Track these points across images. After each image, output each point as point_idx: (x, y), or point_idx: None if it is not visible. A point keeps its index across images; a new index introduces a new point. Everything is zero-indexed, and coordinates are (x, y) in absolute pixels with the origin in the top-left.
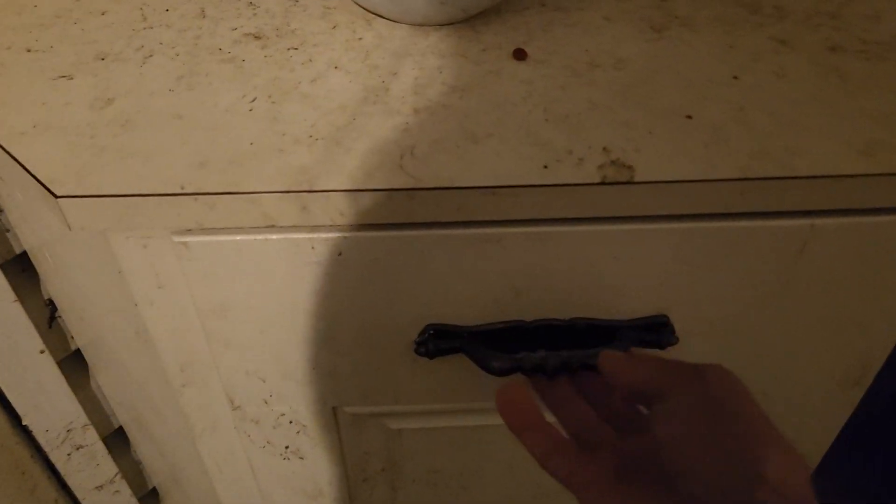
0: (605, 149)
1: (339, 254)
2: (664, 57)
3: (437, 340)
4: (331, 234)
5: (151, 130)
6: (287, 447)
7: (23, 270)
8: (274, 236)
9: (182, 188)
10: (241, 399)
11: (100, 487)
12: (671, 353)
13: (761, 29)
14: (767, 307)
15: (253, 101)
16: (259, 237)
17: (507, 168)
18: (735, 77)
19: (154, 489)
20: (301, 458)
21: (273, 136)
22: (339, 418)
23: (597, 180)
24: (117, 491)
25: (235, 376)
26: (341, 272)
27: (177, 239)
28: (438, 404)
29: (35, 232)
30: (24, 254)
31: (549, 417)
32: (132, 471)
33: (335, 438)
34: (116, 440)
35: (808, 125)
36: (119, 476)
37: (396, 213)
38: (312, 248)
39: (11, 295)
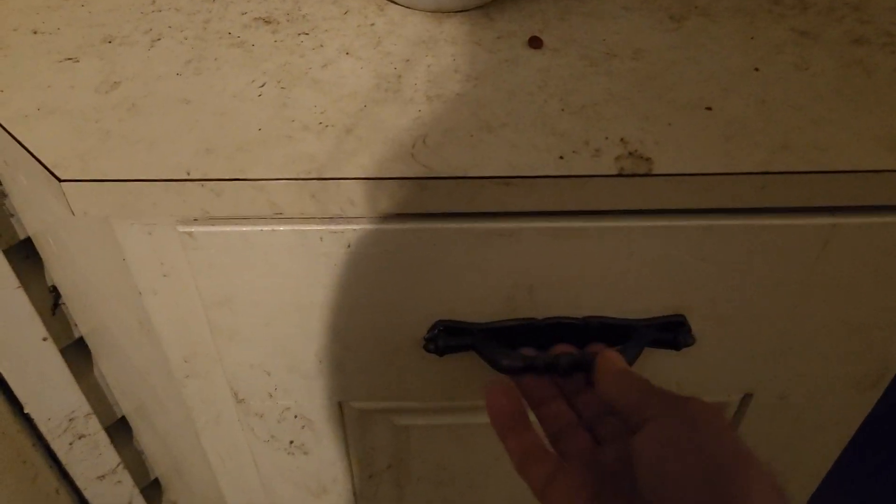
0: (622, 140)
1: (348, 246)
2: (683, 47)
3: (447, 337)
4: (339, 227)
5: (158, 115)
6: (291, 442)
7: (26, 257)
8: (281, 227)
9: (188, 174)
10: (246, 392)
11: (101, 477)
12: (687, 354)
13: (783, 20)
14: (787, 307)
15: (262, 86)
16: (266, 228)
17: (521, 158)
18: (756, 69)
19: (156, 480)
20: (305, 453)
21: (282, 122)
22: (345, 413)
23: (614, 172)
24: (119, 481)
25: (240, 369)
26: (350, 265)
27: (182, 229)
28: (447, 401)
29: (39, 217)
30: (28, 240)
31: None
32: (134, 461)
33: (340, 434)
34: (119, 430)
35: (832, 119)
36: (121, 466)
37: (408, 203)
38: (321, 239)
39: (15, 281)
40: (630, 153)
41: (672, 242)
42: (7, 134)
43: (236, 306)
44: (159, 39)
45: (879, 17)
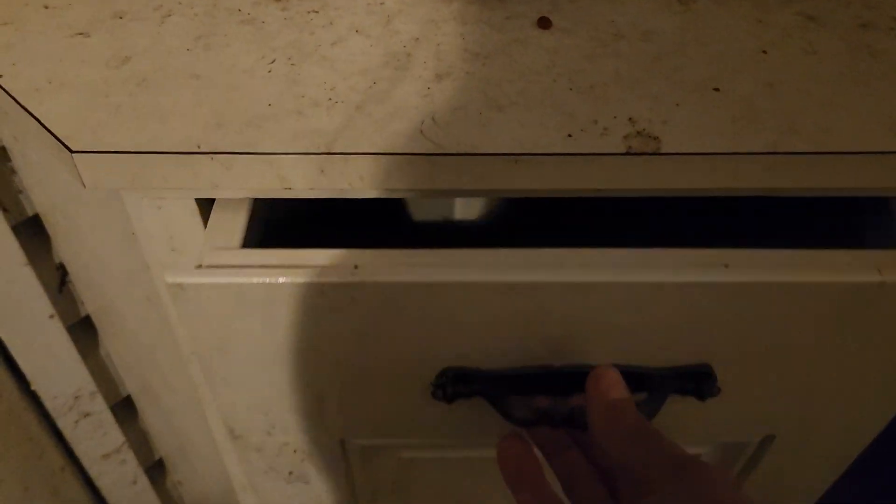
0: (630, 119)
1: (353, 300)
2: (691, 30)
3: (457, 384)
4: (343, 280)
5: (168, 90)
6: (291, 473)
7: (34, 234)
8: (280, 279)
9: (198, 147)
10: (242, 430)
11: (106, 456)
12: (712, 404)
13: (790, 4)
14: (822, 359)
15: (272, 62)
16: (265, 280)
17: (530, 136)
18: (764, 52)
19: (160, 460)
20: (306, 482)
21: (292, 98)
22: (347, 449)
23: (622, 150)
24: (124, 460)
25: (236, 410)
26: (355, 318)
27: (171, 280)
28: (455, 440)
29: (48, 193)
30: (36, 217)
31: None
32: (139, 440)
33: (342, 467)
34: (124, 409)
35: (840, 103)
36: (126, 445)
37: (417, 179)
38: (323, 293)
39: (23, 258)
40: (638, 132)
41: (700, 299)
42: (19, 106)
43: (231, 354)
44: (169, 16)
45: (886, 2)
